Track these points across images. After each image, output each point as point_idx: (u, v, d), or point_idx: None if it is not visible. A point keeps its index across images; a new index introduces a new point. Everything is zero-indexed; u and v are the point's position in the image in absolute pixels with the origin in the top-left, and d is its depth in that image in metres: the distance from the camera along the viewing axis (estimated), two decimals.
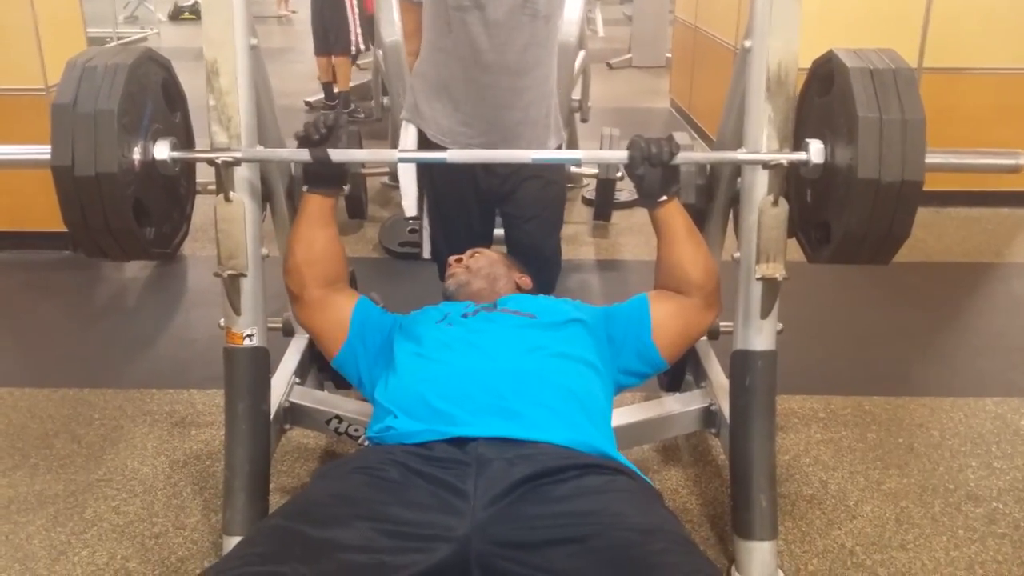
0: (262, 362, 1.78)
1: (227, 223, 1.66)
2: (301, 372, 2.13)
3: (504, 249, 2.19)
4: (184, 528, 1.94)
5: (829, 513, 2.00)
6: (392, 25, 3.74)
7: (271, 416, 1.84)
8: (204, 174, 1.78)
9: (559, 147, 2.36)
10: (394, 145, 3.85)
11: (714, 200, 2.03)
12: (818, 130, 1.66)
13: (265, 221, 1.89)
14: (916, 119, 1.51)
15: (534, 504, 1.27)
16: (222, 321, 1.77)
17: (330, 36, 5.80)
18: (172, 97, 1.74)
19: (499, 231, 2.44)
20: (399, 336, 1.68)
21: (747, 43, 1.73)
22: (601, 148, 3.60)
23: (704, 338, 2.16)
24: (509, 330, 1.62)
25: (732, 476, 1.80)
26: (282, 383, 2.02)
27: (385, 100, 4.07)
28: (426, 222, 2.43)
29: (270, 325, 1.87)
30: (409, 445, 1.42)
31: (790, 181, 1.74)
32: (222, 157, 1.62)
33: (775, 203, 1.65)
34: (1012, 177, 1.69)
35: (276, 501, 1.87)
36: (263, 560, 1.16)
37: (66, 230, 1.57)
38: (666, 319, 1.69)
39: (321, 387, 2.27)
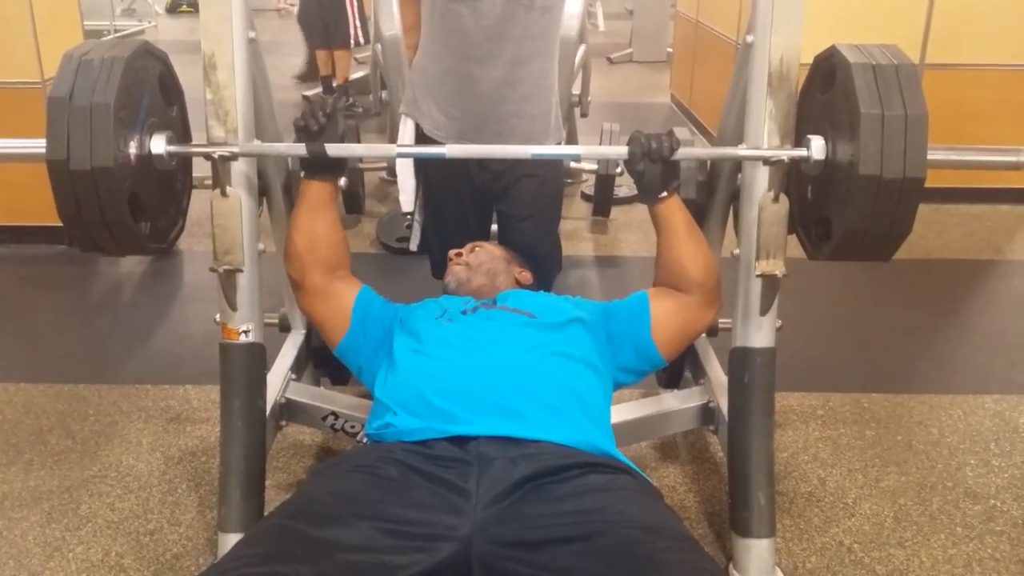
0: (258, 358, 1.77)
1: (223, 218, 1.64)
2: (297, 368, 2.12)
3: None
4: (179, 525, 1.93)
5: (827, 510, 1.99)
6: (391, 19, 3.72)
7: (267, 412, 1.83)
8: (201, 168, 1.77)
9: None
10: (392, 140, 3.84)
11: (714, 196, 2.02)
12: (819, 126, 1.65)
13: (262, 216, 1.88)
14: (918, 115, 1.50)
15: (536, 503, 1.27)
16: (218, 317, 1.76)
17: (330, 29, 5.79)
18: (169, 91, 1.73)
19: (494, 227, 2.43)
20: (399, 330, 1.68)
21: (749, 38, 1.72)
22: (601, 143, 3.59)
23: (703, 335, 2.15)
24: (509, 328, 1.62)
25: (730, 473, 1.79)
26: (278, 379, 2.01)
27: (384, 94, 4.05)
28: (418, 215, 2.42)
29: (266, 321, 1.86)
30: (409, 443, 1.41)
31: (791, 177, 1.73)
32: (219, 151, 1.60)
33: (775, 199, 1.64)
34: (1014, 174, 1.69)
35: (272, 498, 1.86)
36: (264, 560, 1.15)
37: (62, 224, 1.56)
38: (666, 316, 1.68)
39: (317, 383, 2.26)
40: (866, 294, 3.15)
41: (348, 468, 1.37)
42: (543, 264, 2.34)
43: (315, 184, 1.71)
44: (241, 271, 1.69)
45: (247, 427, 1.73)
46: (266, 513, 1.70)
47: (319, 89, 6.17)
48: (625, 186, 3.95)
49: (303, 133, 1.65)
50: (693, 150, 1.80)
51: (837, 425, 2.34)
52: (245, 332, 1.74)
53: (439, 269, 2.38)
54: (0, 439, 2.26)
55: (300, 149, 1.63)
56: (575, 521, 1.22)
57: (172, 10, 10.85)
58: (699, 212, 1.99)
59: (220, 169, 1.62)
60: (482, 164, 2.21)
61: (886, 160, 1.49)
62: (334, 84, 5.97)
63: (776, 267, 1.67)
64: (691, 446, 2.25)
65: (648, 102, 6.53)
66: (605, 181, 3.75)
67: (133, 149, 1.55)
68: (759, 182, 1.68)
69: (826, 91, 1.67)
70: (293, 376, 2.07)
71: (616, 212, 3.92)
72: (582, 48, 3.89)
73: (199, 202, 1.83)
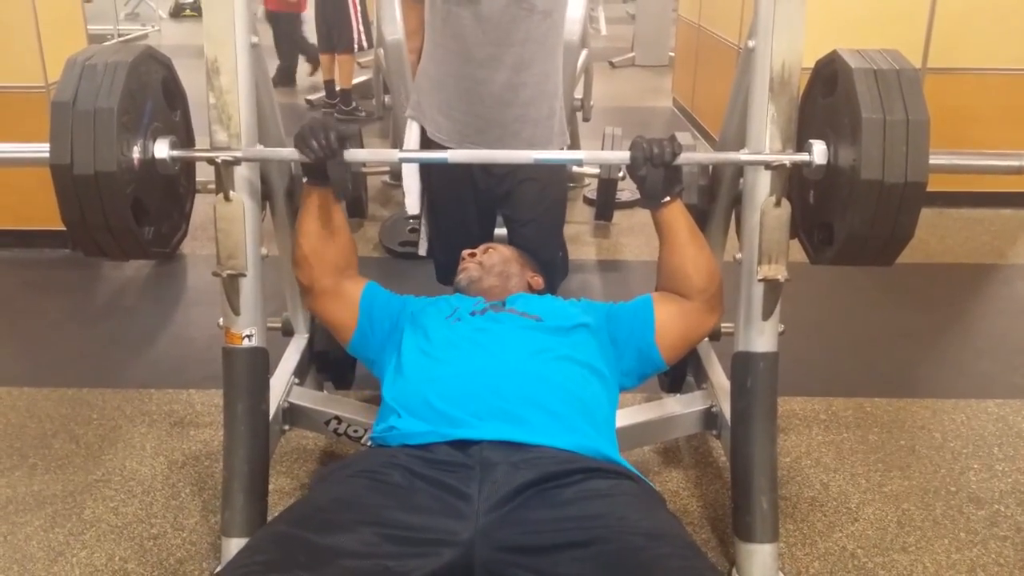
0: (261, 362, 1.77)
1: (226, 222, 1.65)
2: (300, 372, 2.12)
3: None
4: (183, 529, 1.94)
5: (830, 515, 1.99)
6: (394, 23, 3.72)
7: (270, 417, 1.83)
8: (204, 173, 1.77)
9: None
10: (395, 144, 3.85)
11: (716, 201, 2.03)
12: (821, 131, 1.65)
13: (265, 220, 1.88)
14: (920, 120, 1.50)
15: (538, 508, 1.27)
16: (221, 321, 1.76)
17: (333, 34, 5.80)
18: (172, 95, 1.73)
19: (501, 231, 2.43)
20: (409, 324, 1.68)
21: (751, 43, 1.72)
22: (603, 148, 3.59)
23: (705, 339, 2.15)
24: (515, 331, 1.62)
25: (733, 478, 1.79)
26: (281, 383, 2.01)
27: (386, 99, 4.06)
28: (425, 221, 2.42)
29: (269, 325, 1.86)
30: (412, 447, 1.41)
31: (793, 182, 1.73)
32: (222, 156, 1.61)
33: (777, 204, 1.64)
34: (1016, 178, 1.69)
35: (275, 502, 1.87)
36: (267, 568, 1.16)
37: (65, 228, 1.56)
38: (669, 321, 1.69)
39: (320, 388, 2.26)
40: (868, 298, 3.15)
41: (351, 473, 1.37)
42: (547, 269, 2.34)
43: (318, 190, 1.72)
44: (244, 275, 1.69)
45: (250, 431, 1.73)
46: (269, 518, 1.70)
47: (322, 94, 6.19)
48: (627, 190, 3.95)
49: (313, 173, 1.65)
50: (695, 155, 1.80)
51: (840, 429, 2.34)
52: (248, 336, 1.74)
53: (443, 273, 2.39)
54: (4, 443, 2.26)
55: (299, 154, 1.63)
56: (577, 527, 1.22)
57: (175, 15, 10.89)
58: (701, 217, 1.99)
59: (223, 174, 1.63)
60: (485, 168, 2.22)
61: (888, 164, 1.49)
62: (337, 88, 5.99)
63: (778, 272, 1.67)
64: (694, 450, 2.25)
65: (650, 106, 6.54)
66: (607, 185, 3.76)
67: (136, 153, 1.56)
68: (761, 187, 1.68)
69: (828, 96, 1.67)
70: (296, 380, 2.07)
71: (618, 216, 3.92)
72: (584, 52, 3.89)
73: (202, 206, 1.83)
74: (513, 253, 1.95)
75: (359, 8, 5.75)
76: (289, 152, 1.69)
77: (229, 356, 1.74)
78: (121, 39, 8.19)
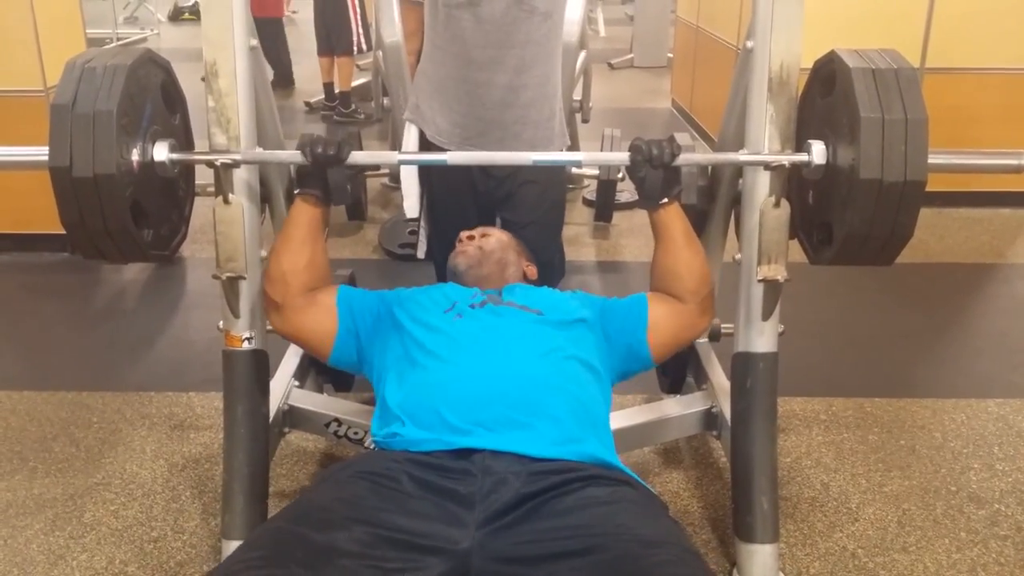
0: (261, 365, 1.77)
1: (226, 225, 1.65)
2: (300, 375, 2.12)
3: None
4: (183, 532, 1.93)
5: (831, 515, 1.99)
6: (392, 25, 3.72)
7: (270, 419, 1.83)
8: (203, 176, 1.78)
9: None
10: (394, 146, 3.84)
11: (715, 201, 2.02)
12: (820, 131, 1.65)
13: (264, 223, 1.88)
14: (918, 119, 1.50)
15: (537, 519, 1.26)
16: (221, 324, 1.76)
17: (332, 36, 5.81)
18: (171, 98, 1.73)
19: None
20: (402, 314, 1.64)
21: (749, 43, 1.72)
22: (602, 149, 3.60)
23: (705, 340, 2.15)
24: (520, 327, 1.60)
25: (733, 479, 1.79)
26: (281, 386, 2.01)
27: (385, 101, 4.06)
28: (424, 223, 2.42)
29: (269, 327, 1.86)
30: (415, 453, 1.41)
31: (792, 182, 1.74)
32: (221, 159, 1.61)
33: (777, 204, 1.64)
34: (1014, 178, 1.69)
35: (275, 505, 1.86)
36: (264, 563, 1.15)
37: (64, 232, 1.56)
38: (662, 320, 1.69)
39: (320, 390, 2.26)
40: (868, 298, 3.15)
41: (352, 474, 1.37)
42: (546, 270, 2.34)
43: (308, 207, 1.68)
44: (244, 278, 1.69)
45: (250, 434, 1.73)
46: None
47: (321, 97, 6.19)
48: (627, 191, 3.96)
49: (308, 181, 1.65)
50: (694, 156, 1.80)
51: (840, 430, 2.34)
52: (248, 339, 1.74)
53: (443, 275, 2.38)
54: (4, 447, 2.26)
55: (301, 157, 1.63)
56: (574, 535, 1.22)
57: (174, 18, 10.89)
58: (701, 217, 1.99)
59: (222, 176, 1.62)
60: (485, 170, 2.22)
61: (887, 164, 1.49)
62: (336, 91, 5.99)
63: (778, 272, 1.67)
64: (694, 451, 2.25)
65: (649, 107, 6.54)
66: (607, 186, 3.76)
67: (136, 156, 1.56)
68: (760, 187, 1.69)
69: (826, 96, 1.67)
70: (296, 383, 2.07)
71: (618, 217, 3.92)
72: (583, 54, 3.89)
73: (202, 209, 1.84)
74: (510, 240, 1.93)
75: (358, 10, 5.75)
76: (288, 154, 1.69)
77: (229, 359, 1.75)
78: (120, 43, 8.19)
